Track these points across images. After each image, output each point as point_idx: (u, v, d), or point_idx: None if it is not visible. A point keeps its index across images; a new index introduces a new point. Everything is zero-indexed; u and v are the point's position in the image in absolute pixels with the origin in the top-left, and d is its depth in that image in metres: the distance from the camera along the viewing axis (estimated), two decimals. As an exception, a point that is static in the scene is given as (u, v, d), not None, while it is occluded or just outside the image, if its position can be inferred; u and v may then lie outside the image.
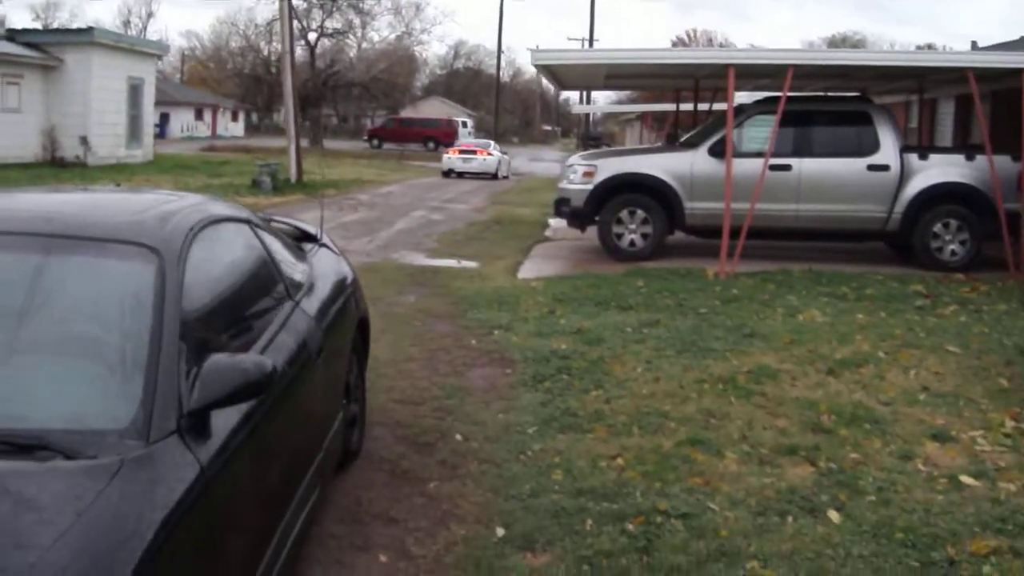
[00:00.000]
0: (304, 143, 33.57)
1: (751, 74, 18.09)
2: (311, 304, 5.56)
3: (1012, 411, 7.77)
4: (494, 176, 46.30)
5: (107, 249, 4.01)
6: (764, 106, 16.57)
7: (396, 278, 14.22)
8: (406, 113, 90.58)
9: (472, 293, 13.04)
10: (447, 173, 46.11)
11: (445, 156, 48.27)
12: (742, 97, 19.37)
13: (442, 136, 76.60)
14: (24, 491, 2.89)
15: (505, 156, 50.52)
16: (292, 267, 5.70)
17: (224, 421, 3.59)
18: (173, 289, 3.83)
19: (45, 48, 35.76)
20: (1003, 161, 15.18)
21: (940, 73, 17.52)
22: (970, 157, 15.83)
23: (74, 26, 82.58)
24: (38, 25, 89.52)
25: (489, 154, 47.60)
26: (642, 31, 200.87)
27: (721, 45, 78.71)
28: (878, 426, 7.36)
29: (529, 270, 15.36)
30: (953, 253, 15.49)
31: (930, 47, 75.19)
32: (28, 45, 35.37)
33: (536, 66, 18.18)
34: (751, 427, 7.29)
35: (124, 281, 3.90)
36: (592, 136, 79.71)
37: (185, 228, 4.30)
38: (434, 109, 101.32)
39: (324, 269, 6.49)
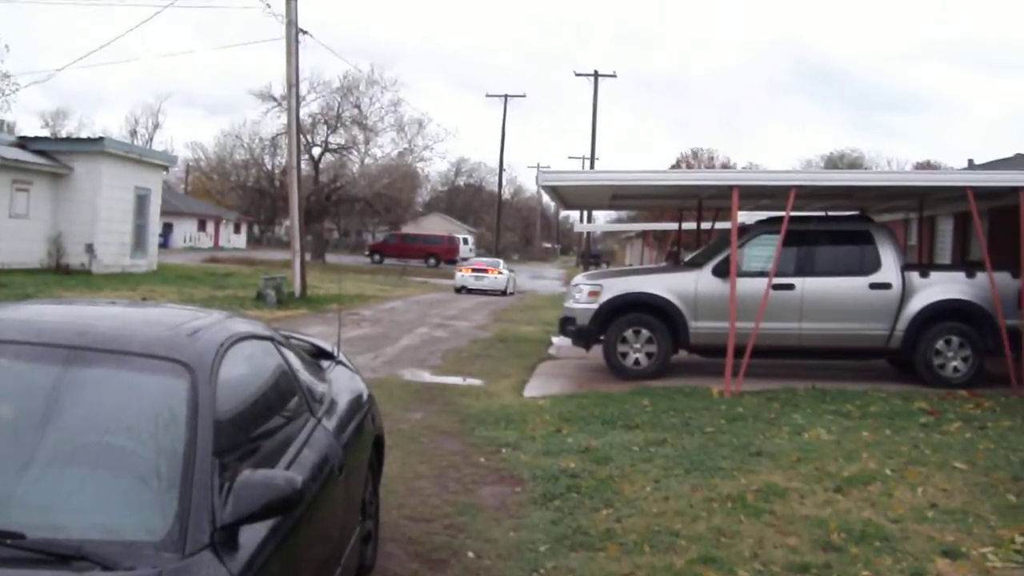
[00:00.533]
0: (307, 257, 33.71)
1: (754, 195, 18.33)
2: (331, 421, 5.66)
3: (1022, 527, 7.78)
4: (503, 293, 47.62)
5: (141, 364, 4.12)
6: (767, 226, 16.76)
7: (402, 395, 14.27)
8: (407, 229, 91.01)
9: (479, 411, 13.08)
10: (459, 290, 47.44)
11: (458, 274, 49.83)
12: (743, 216, 19.58)
13: (443, 252, 77.05)
14: (63, 602, 2.96)
15: (512, 274, 52.11)
16: (313, 384, 5.80)
17: (252, 535, 3.66)
18: (206, 404, 3.94)
19: (55, 156, 36.17)
20: (1003, 278, 15.34)
21: (940, 192, 17.75)
22: (970, 274, 15.97)
23: (82, 134, 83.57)
24: (47, 133, 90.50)
25: (499, 272, 49.39)
26: (638, 148, 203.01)
27: (724, 166, 79.32)
28: (888, 543, 7.36)
29: (535, 388, 15.41)
30: (956, 370, 15.55)
31: (929, 164, 76.11)
32: (39, 152, 35.77)
33: (542, 186, 18.38)
34: (762, 545, 7.30)
35: (158, 395, 4.00)
36: (593, 254, 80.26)
37: (215, 344, 4.43)
38: (435, 225, 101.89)
39: (342, 386, 6.59)
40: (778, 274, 15.14)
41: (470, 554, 7.16)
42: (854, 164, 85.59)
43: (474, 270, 49.76)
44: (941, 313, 15.67)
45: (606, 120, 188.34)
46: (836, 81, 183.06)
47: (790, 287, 15.61)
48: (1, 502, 3.46)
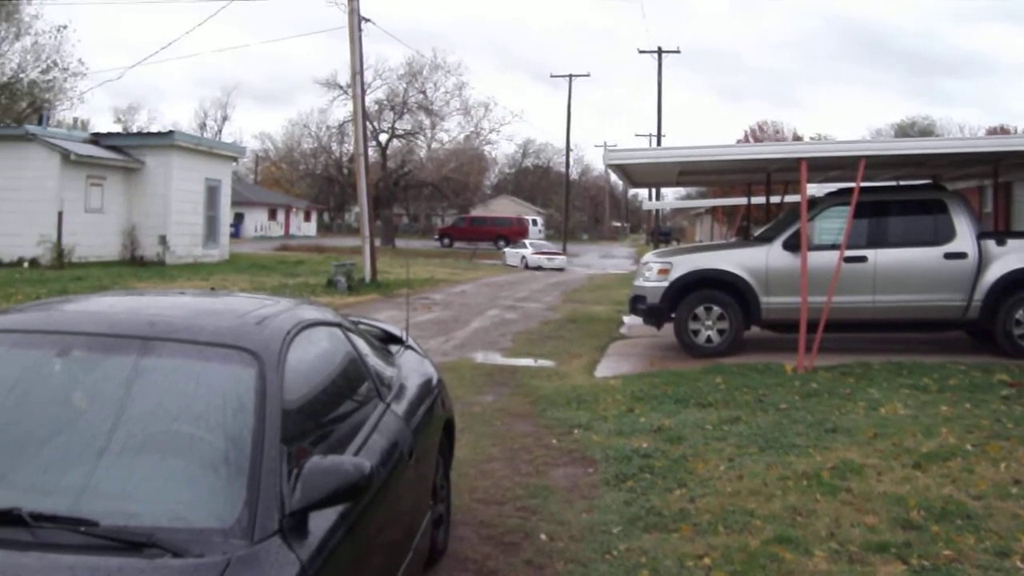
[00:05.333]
0: (376, 242, 33.87)
1: (823, 166, 18.09)
2: (401, 406, 5.66)
3: (1108, 503, 7.62)
4: (562, 270, 54.00)
5: (210, 352, 4.17)
6: (837, 198, 16.52)
7: (474, 378, 14.28)
8: (476, 212, 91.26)
9: (550, 392, 13.05)
10: (536, 268, 54.30)
11: (532, 256, 57.24)
12: (812, 189, 19.34)
13: (512, 234, 77.12)
14: (135, 588, 2.97)
15: (564, 257, 61.33)
16: (382, 369, 5.81)
17: (322, 520, 3.67)
18: (273, 391, 3.96)
19: (127, 151, 36.78)
20: None
21: (1015, 157, 17.37)
22: None
23: (152, 128, 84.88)
24: (119, 128, 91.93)
25: (560, 254, 60.57)
26: (698, 123, 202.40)
27: (793, 138, 78.49)
28: (971, 521, 7.21)
29: (606, 368, 15.36)
30: (1038, 340, 15.24)
31: (1002, 129, 74.71)
32: (111, 148, 36.47)
33: (608, 165, 18.27)
34: (839, 524, 7.20)
35: (226, 383, 4.03)
36: (662, 232, 79.89)
37: (283, 332, 4.47)
38: (504, 207, 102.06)
39: (411, 371, 6.59)
40: (850, 246, 14.94)
41: (542, 536, 7.14)
42: (925, 132, 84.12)
43: (544, 252, 58.13)
44: (1020, 282, 15.35)
45: (667, 96, 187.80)
46: (888, 48, 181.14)
47: (862, 259, 15.39)
48: (76, 490, 3.50)
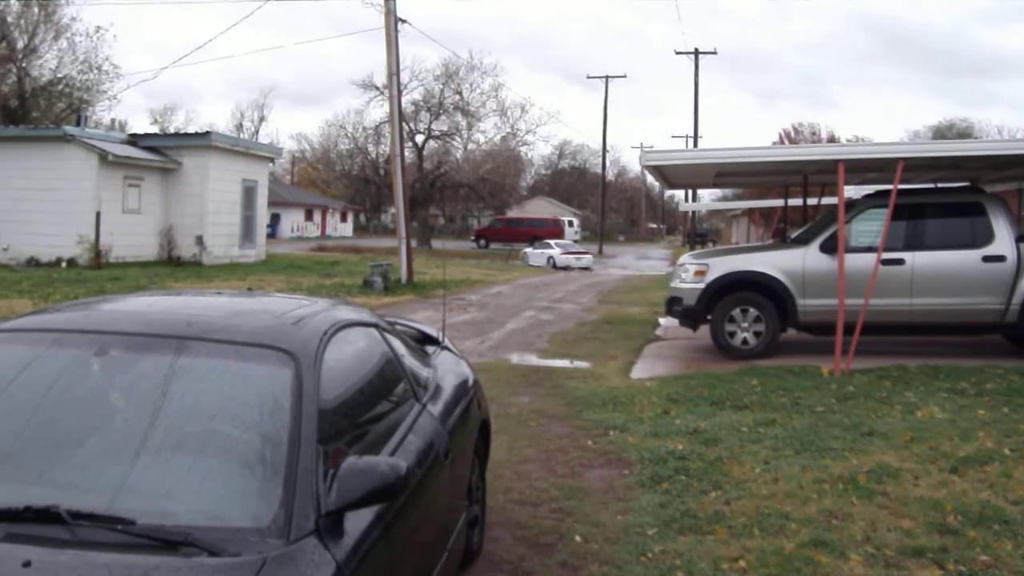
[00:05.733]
0: (413, 243, 33.97)
1: (860, 168, 18.00)
2: (436, 406, 5.68)
3: None
4: (589, 269, 56.29)
5: (247, 352, 4.21)
6: (874, 200, 16.43)
7: (509, 379, 14.30)
8: (512, 213, 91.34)
9: (586, 393, 13.05)
10: (565, 268, 55.15)
11: (561, 256, 58.38)
12: (849, 191, 19.25)
13: (548, 235, 77.10)
14: (172, 587, 3.00)
15: (591, 256, 62.78)
16: (418, 370, 5.84)
17: (358, 520, 3.69)
18: (310, 392, 3.99)
19: (164, 151, 37.06)
20: None
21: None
22: None
23: (190, 129, 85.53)
24: (156, 129, 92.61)
25: (587, 254, 61.79)
26: (732, 124, 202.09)
27: (829, 140, 78.07)
28: (1008, 527, 7.15)
29: (642, 370, 15.33)
30: (1077, 345, 15.12)
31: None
32: (148, 149, 36.76)
33: (645, 166, 18.24)
34: (875, 528, 7.17)
35: (263, 383, 4.06)
36: (698, 233, 79.80)
37: (319, 332, 4.50)
38: (540, 208, 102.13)
39: (447, 371, 6.62)
40: (887, 249, 14.86)
41: (577, 538, 7.14)
42: (963, 134, 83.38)
43: (571, 252, 59.91)
44: (1061, 285, 15.22)
45: (702, 97, 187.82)
46: (922, 49, 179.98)
47: (900, 262, 15.31)
48: (113, 489, 3.53)
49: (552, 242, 64.18)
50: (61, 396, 4.13)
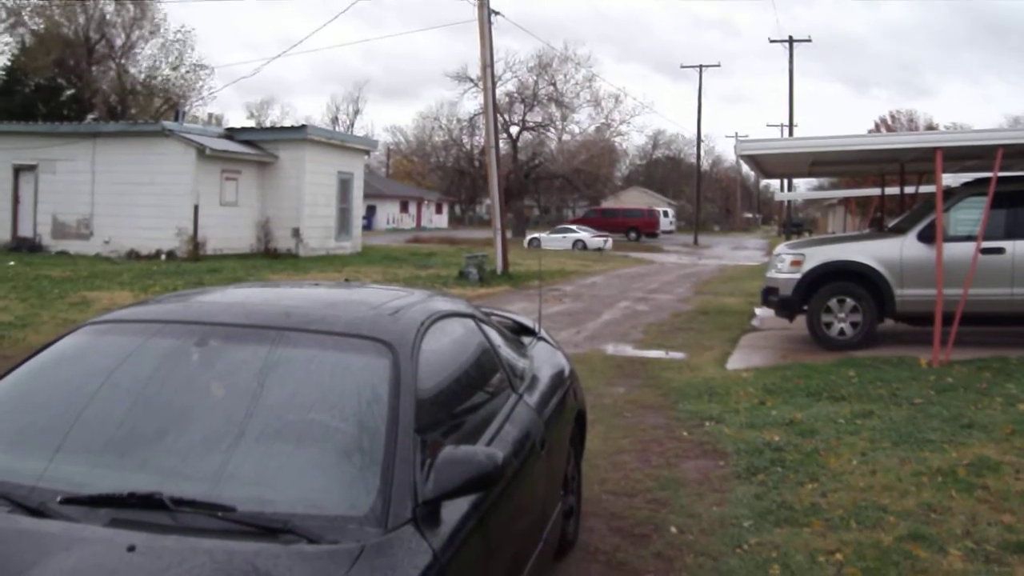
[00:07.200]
0: (508, 234, 34.04)
1: (958, 156, 17.71)
2: (533, 397, 5.71)
3: None
4: (602, 249, 60.74)
5: (345, 343, 4.27)
6: (973, 188, 16.13)
7: (605, 369, 14.31)
8: (607, 203, 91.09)
9: (682, 384, 13.02)
10: (596, 249, 59.78)
11: (591, 239, 62.51)
12: (947, 179, 18.95)
13: (644, 226, 76.98)
14: (272, 573, 3.07)
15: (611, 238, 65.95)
16: (514, 360, 5.87)
17: (454, 510, 3.72)
18: (407, 382, 4.03)
19: (260, 145, 37.53)
20: None
21: None
22: None
23: (285, 123, 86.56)
24: (252, 123, 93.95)
25: (608, 236, 64.90)
26: (820, 111, 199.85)
27: (928, 127, 76.82)
28: (1112, 522, 7.02)
29: (738, 360, 15.26)
30: None
31: None
32: (245, 143, 37.23)
33: (740, 156, 18.13)
34: (975, 522, 7.08)
35: (361, 373, 4.12)
36: (794, 223, 78.86)
37: (416, 323, 4.55)
38: (635, 199, 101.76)
39: (543, 362, 6.65)
40: (987, 238, 14.59)
41: (672, 529, 7.14)
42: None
43: (600, 236, 63.88)
44: None
45: (796, 86, 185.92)
46: (1015, 31, 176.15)
47: (1000, 251, 15.04)
48: (214, 476, 3.61)
49: (574, 227, 66.64)
50: (163, 386, 4.22)
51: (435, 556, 3.39)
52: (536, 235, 64.69)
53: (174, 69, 64.11)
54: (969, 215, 15.59)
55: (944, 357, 13.80)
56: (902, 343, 15.71)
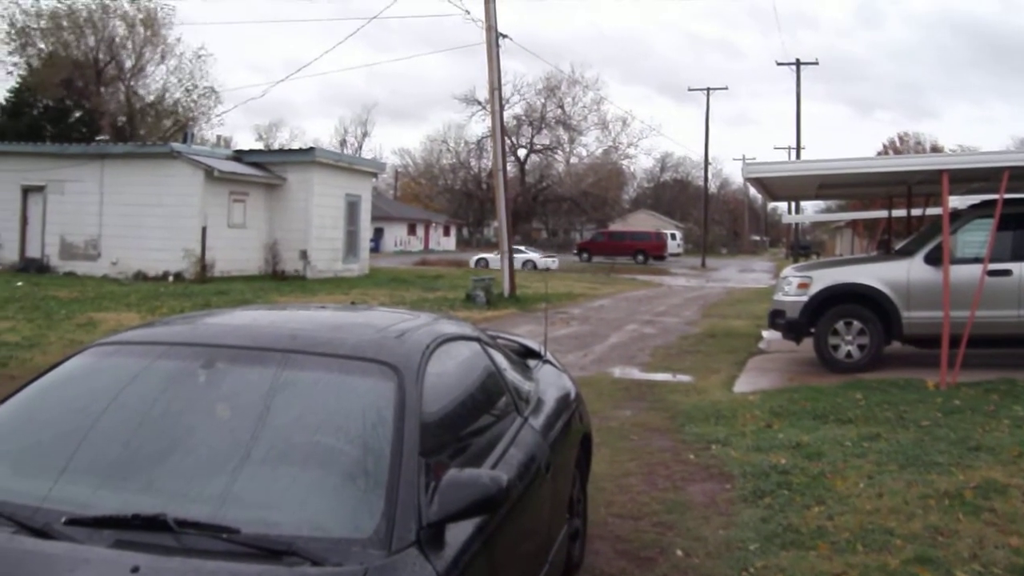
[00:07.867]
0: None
1: (965, 178, 17.71)
2: (538, 420, 5.71)
3: None
4: (548, 269, 61.16)
5: (350, 366, 4.27)
6: (980, 210, 16.10)
7: (611, 392, 14.30)
8: (615, 226, 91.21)
9: (688, 407, 13.01)
10: (544, 269, 60.28)
11: (540, 259, 63.57)
12: (954, 201, 18.95)
13: (651, 248, 76.93)
14: (276, 595, 3.07)
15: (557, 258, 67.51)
16: (520, 383, 5.87)
17: (458, 532, 3.72)
18: (412, 405, 4.04)
19: (268, 167, 37.68)
20: None
21: None
22: None
23: (294, 145, 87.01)
24: (260, 145, 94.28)
25: (554, 257, 66.29)
26: (825, 134, 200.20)
27: (936, 149, 76.84)
28: (1121, 545, 6.99)
29: (745, 383, 15.23)
30: None
31: None
32: (253, 165, 37.41)
33: (747, 179, 18.14)
34: (982, 546, 7.05)
35: (366, 396, 4.13)
36: (802, 245, 78.99)
37: (422, 346, 4.56)
38: (642, 221, 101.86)
39: (549, 385, 6.66)
40: (994, 259, 14.60)
41: (679, 552, 7.13)
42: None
43: (547, 256, 65.33)
44: None
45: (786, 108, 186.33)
46: (1018, 52, 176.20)
47: (1007, 273, 15.01)
48: (219, 498, 3.61)
49: (524, 248, 66.53)
50: (168, 407, 4.23)
51: None
52: (484, 255, 64.47)
53: (188, 92, 64.47)
54: (976, 237, 15.56)
55: (951, 379, 13.77)
56: (909, 365, 15.68)
